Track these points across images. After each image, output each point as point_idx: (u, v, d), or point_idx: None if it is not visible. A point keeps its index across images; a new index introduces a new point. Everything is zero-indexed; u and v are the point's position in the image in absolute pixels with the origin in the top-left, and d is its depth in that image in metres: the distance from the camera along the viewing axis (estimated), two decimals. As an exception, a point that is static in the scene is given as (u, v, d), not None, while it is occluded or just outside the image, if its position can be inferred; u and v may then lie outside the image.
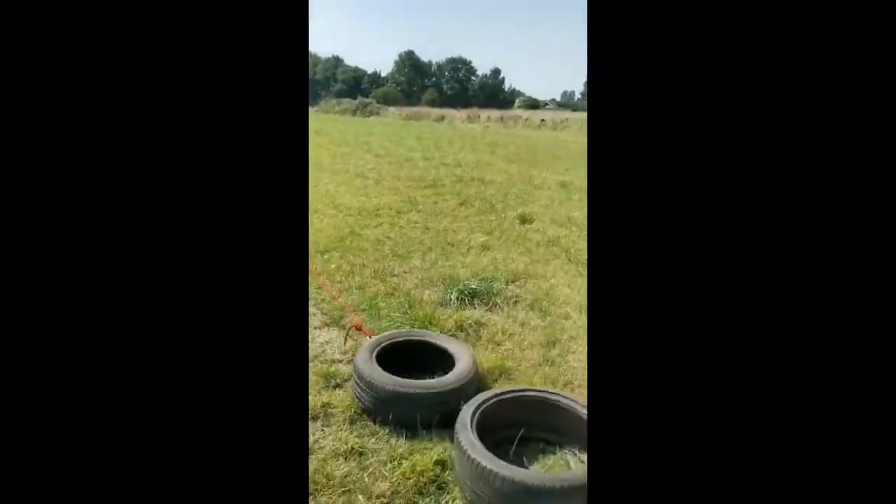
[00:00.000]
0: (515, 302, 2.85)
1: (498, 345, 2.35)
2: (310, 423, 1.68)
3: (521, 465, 1.43)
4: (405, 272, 3.31)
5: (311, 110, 33.34)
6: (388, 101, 37.03)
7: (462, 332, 2.44)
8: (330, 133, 15.03)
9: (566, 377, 2.08)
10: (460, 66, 59.89)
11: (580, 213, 5.09)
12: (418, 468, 1.47)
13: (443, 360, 1.93)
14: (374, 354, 1.84)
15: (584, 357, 2.28)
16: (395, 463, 1.51)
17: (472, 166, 8.61)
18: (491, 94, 56.79)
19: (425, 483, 1.44)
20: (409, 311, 2.59)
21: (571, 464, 1.52)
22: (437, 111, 31.79)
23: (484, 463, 1.25)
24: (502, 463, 1.26)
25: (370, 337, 2.05)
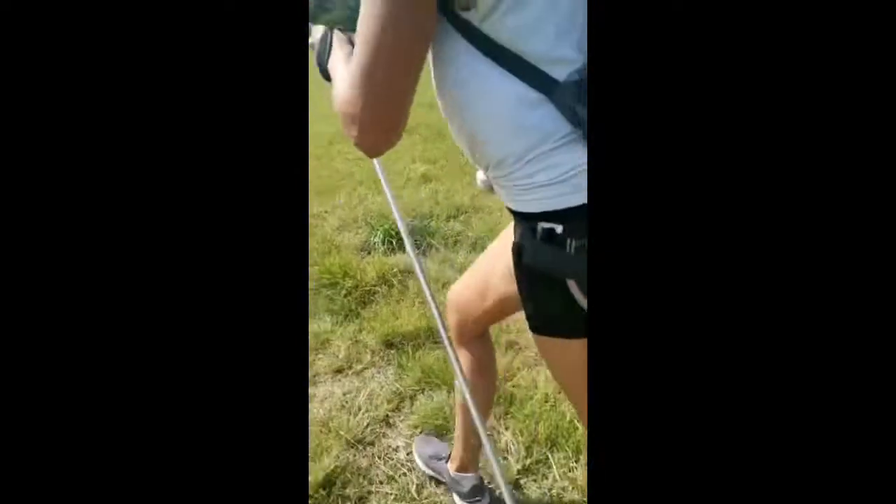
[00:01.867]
0: (455, 242, 2.39)
1: (429, 298, 1.90)
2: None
3: None
4: (326, 212, 2.78)
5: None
6: (339, 27, 33.86)
7: (385, 285, 1.97)
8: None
9: (509, 336, 1.66)
10: (414, -13, 55.63)
11: (536, 137, 4.58)
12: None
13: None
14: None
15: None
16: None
17: (426, 88, 7.85)
18: (448, 17, 53.09)
19: None
20: (319, 262, 2.09)
21: None
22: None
23: None
24: None
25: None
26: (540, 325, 0.68)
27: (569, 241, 0.58)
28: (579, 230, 0.58)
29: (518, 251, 0.63)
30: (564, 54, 0.54)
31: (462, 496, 1.14)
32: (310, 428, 1.33)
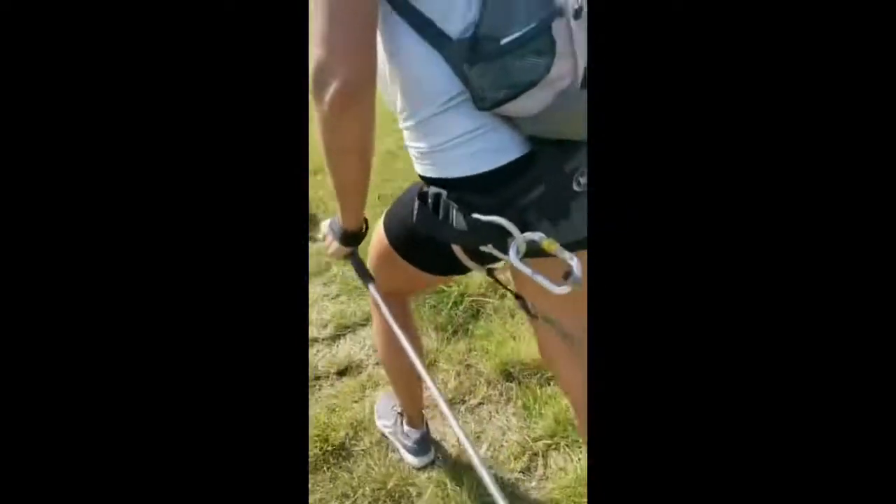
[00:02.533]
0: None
1: (549, 314, 1.62)
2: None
3: None
4: (421, 197, 2.53)
5: None
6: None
7: (496, 294, 1.70)
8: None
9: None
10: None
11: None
12: None
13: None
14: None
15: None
16: None
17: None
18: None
19: None
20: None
21: None
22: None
23: None
24: None
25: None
26: (406, 254, 0.78)
27: (452, 210, 0.62)
28: (463, 199, 0.62)
29: (412, 212, 0.68)
30: (459, 11, 0.56)
31: (409, 450, 1.18)
32: (425, 490, 1.11)
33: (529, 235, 0.59)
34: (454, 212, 0.62)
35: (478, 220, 0.60)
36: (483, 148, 0.61)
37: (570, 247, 0.59)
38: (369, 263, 0.87)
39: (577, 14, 0.53)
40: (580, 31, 0.54)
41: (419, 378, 0.97)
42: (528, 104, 0.56)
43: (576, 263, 0.56)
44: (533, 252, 0.60)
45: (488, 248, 0.62)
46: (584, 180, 0.62)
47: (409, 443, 1.18)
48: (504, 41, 0.54)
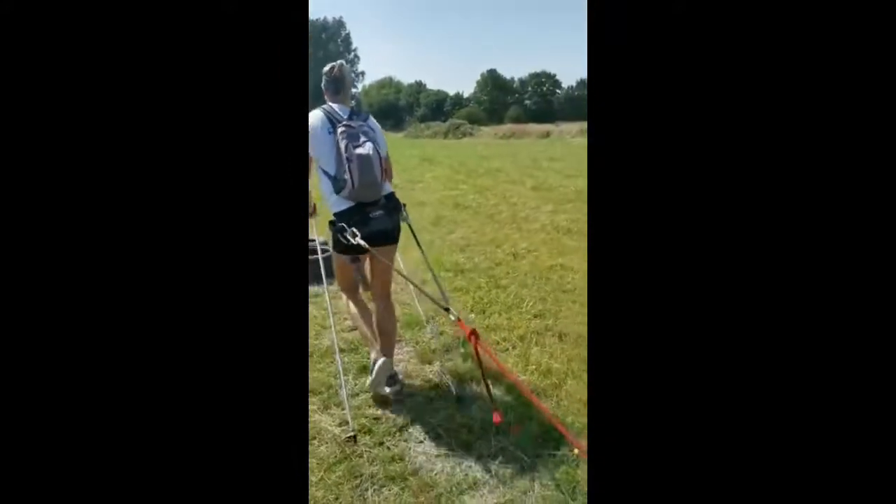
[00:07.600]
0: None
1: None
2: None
3: None
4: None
5: (398, 136, 32.30)
6: (471, 121, 35.72)
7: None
8: (440, 160, 11.96)
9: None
10: (544, 81, 58.29)
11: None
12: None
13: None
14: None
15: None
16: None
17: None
18: (578, 106, 54.00)
19: None
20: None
21: None
22: (540, 127, 28.01)
23: None
24: None
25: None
26: (338, 251, 2.11)
27: (335, 223, 1.97)
28: (335, 221, 1.99)
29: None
30: (333, 165, 2.00)
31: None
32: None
33: (352, 230, 1.88)
34: (336, 224, 1.93)
35: (336, 225, 1.95)
36: (337, 202, 1.97)
37: (369, 236, 1.88)
38: (338, 278, 2.25)
39: (348, 159, 1.90)
40: (355, 164, 1.93)
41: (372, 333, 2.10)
42: (343, 193, 1.95)
43: (359, 237, 1.88)
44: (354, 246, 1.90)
45: (343, 237, 1.91)
46: (373, 214, 1.96)
47: (380, 378, 1.99)
48: (334, 173, 1.97)
